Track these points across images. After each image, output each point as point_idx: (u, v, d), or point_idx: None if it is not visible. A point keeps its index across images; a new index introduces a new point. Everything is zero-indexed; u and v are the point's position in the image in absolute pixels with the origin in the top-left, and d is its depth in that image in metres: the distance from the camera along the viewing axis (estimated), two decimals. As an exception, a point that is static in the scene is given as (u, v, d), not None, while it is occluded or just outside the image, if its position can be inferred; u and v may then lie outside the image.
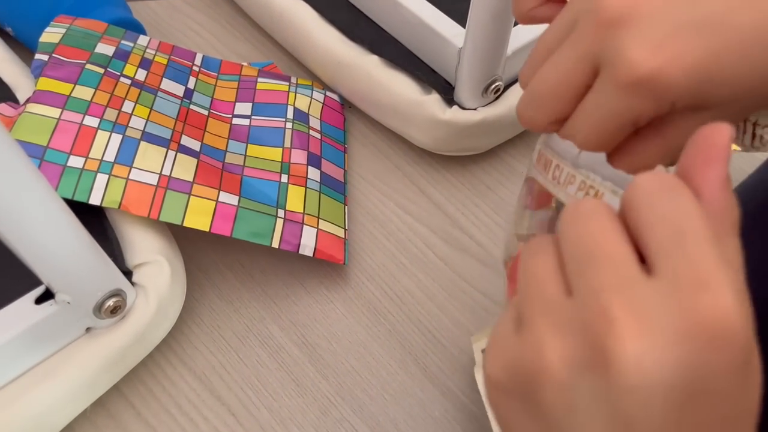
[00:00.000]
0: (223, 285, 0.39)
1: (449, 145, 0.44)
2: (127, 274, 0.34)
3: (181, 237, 0.38)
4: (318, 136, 0.44)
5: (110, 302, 0.31)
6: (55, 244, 0.27)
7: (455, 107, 0.42)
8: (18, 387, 0.30)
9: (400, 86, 0.43)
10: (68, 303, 0.30)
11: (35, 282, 0.31)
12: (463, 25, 0.41)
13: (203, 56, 0.47)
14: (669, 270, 0.16)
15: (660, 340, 0.15)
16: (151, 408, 0.35)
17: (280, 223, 0.37)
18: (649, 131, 0.22)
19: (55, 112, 0.36)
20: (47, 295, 0.30)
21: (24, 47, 0.47)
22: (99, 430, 0.34)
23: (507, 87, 0.43)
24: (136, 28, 0.47)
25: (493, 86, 0.41)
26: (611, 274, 0.16)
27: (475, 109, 0.43)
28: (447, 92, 0.43)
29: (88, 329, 0.32)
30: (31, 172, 0.24)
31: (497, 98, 0.43)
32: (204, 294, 0.39)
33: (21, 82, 0.42)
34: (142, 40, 0.45)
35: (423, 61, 0.45)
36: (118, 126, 0.37)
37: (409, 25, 0.44)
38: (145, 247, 0.35)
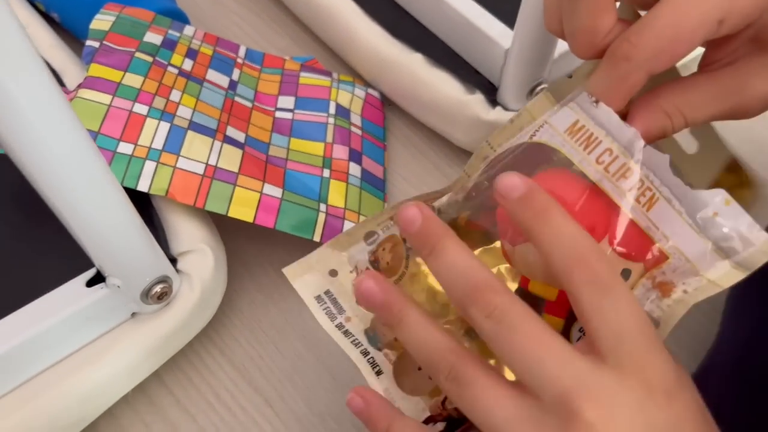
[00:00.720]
0: (262, 278, 0.39)
1: (491, 146, 0.44)
2: (172, 261, 0.34)
3: (221, 230, 0.38)
4: (359, 132, 0.44)
5: (158, 288, 0.31)
6: (111, 226, 0.27)
7: (498, 108, 0.42)
8: (65, 367, 0.31)
9: (443, 85, 0.43)
10: (118, 287, 0.30)
11: (84, 265, 0.31)
12: (509, 25, 0.41)
13: (247, 49, 0.47)
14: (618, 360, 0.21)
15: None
16: (190, 396, 0.35)
17: (322, 217, 0.38)
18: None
19: (106, 98, 0.36)
20: (98, 279, 0.30)
21: (69, 33, 0.48)
22: (139, 416, 0.34)
23: (551, 90, 0.43)
24: (181, 18, 0.47)
25: (539, 88, 0.41)
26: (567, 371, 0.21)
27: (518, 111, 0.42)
28: (490, 93, 0.43)
29: (133, 314, 0.32)
30: (95, 154, 0.25)
31: (541, 101, 0.43)
32: (243, 287, 0.39)
33: (68, 68, 0.42)
34: (188, 30, 0.45)
35: (466, 60, 0.45)
36: (167, 114, 0.37)
37: (455, 24, 0.44)
38: (190, 236, 0.35)
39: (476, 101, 0.42)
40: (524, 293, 0.26)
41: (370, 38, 0.46)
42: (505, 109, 0.42)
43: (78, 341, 0.31)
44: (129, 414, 0.34)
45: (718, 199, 0.23)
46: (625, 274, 0.24)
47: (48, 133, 0.22)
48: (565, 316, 0.25)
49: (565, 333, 0.25)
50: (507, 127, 0.28)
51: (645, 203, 0.24)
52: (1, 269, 0.33)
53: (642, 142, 0.24)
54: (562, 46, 0.41)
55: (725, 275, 0.23)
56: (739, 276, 0.23)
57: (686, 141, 0.30)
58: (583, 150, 0.25)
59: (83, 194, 0.25)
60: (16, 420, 0.29)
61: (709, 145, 0.30)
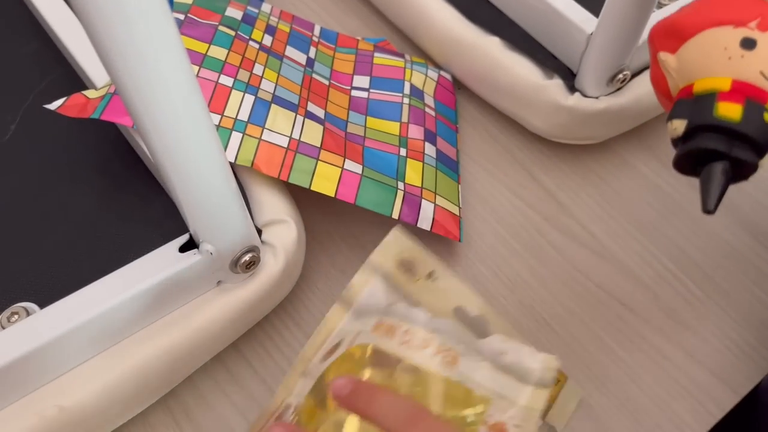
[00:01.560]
0: (337, 255, 0.39)
1: (567, 133, 0.43)
2: (258, 232, 0.34)
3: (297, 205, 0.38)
4: (433, 113, 0.44)
5: (247, 257, 0.31)
6: (213, 192, 0.27)
7: (577, 94, 0.42)
8: (153, 330, 0.31)
9: (521, 69, 0.43)
10: (211, 253, 0.30)
11: (170, 232, 0.32)
12: (589, 10, 0.41)
13: (321, 28, 0.47)
14: None
15: None
16: (268, 367, 0.35)
17: (400, 195, 0.37)
18: None
19: (194, 69, 0.36)
20: (190, 245, 0.31)
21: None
22: (218, 384, 0.34)
23: (633, 76, 0.42)
24: (256, -4, 0.47)
25: (621, 75, 0.41)
26: None
27: (597, 98, 0.42)
28: (568, 79, 0.42)
29: (218, 283, 0.33)
30: (208, 120, 0.25)
31: (621, 88, 0.42)
32: (318, 262, 0.39)
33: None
34: (266, 7, 0.45)
35: (542, 46, 0.44)
36: (251, 87, 0.37)
37: (534, 9, 0.43)
38: (273, 207, 0.35)
39: (555, 86, 0.42)
40: (693, 100, 0.25)
41: (444, 20, 0.46)
42: (584, 95, 0.42)
43: (166, 307, 0.31)
44: (209, 384, 0.34)
45: (498, 340, 0.29)
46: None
47: (171, 94, 0.22)
48: (743, 102, 0.24)
49: (748, 116, 0.24)
50: (313, 340, 0.31)
51: (449, 360, 0.28)
52: (90, 235, 0.33)
53: (428, 315, 0.29)
54: (647, 33, 0.40)
55: (533, 397, 0.28)
56: (544, 394, 0.28)
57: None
58: (389, 339, 0.29)
59: (194, 158, 0.25)
60: (106, 382, 0.30)
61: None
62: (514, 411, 0.28)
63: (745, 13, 0.24)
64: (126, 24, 0.20)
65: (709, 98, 0.24)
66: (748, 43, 0.24)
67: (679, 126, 0.25)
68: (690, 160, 0.25)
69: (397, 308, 0.30)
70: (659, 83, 0.28)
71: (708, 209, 0.24)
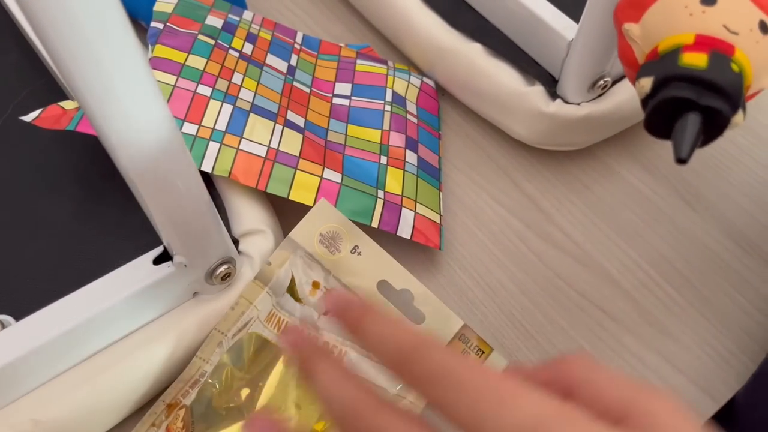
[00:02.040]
0: (317, 262, 0.39)
1: (549, 139, 0.43)
2: (234, 243, 0.34)
3: (277, 213, 0.38)
4: (415, 120, 0.44)
5: (222, 269, 0.31)
6: (184, 205, 0.27)
7: (559, 101, 0.42)
8: (129, 344, 0.31)
9: (503, 76, 0.43)
10: (184, 266, 0.30)
11: (147, 244, 0.31)
12: (572, 17, 0.41)
13: (303, 35, 0.47)
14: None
15: None
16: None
17: (380, 203, 0.37)
18: None
19: (171, 79, 0.36)
20: (164, 257, 0.31)
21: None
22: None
23: (614, 83, 0.42)
24: (239, 3, 0.47)
25: (602, 81, 0.41)
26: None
27: (578, 104, 0.42)
28: (550, 85, 0.42)
29: (195, 294, 0.33)
30: (176, 131, 0.25)
31: (602, 94, 0.42)
32: (298, 270, 0.39)
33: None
34: (247, 15, 0.45)
35: (524, 52, 0.44)
36: (229, 96, 0.37)
37: (516, 15, 0.43)
38: (251, 217, 0.35)
39: (536, 93, 0.42)
40: (659, 59, 0.25)
41: (427, 27, 0.46)
42: (566, 101, 0.42)
43: (141, 319, 0.31)
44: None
45: None
46: None
47: (135, 107, 0.22)
48: (708, 52, 0.24)
49: (714, 64, 0.24)
50: (230, 314, 0.32)
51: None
52: (67, 247, 0.33)
53: (317, 314, 0.31)
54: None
55: None
56: None
57: (414, 312, 0.34)
58: (277, 331, 0.31)
59: (163, 173, 0.25)
60: (82, 395, 0.30)
61: (438, 317, 0.35)
62: (401, 404, 0.29)
63: None
64: (79, 33, 0.20)
65: (674, 53, 0.24)
66: None
67: (646, 84, 0.25)
68: (661, 118, 0.25)
69: (285, 301, 0.32)
70: (626, 55, 0.28)
71: (681, 156, 0.23)
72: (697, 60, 0.24)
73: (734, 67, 0.24)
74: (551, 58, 0.42)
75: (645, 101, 0.25)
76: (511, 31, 0.45)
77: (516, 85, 0.42)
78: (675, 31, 0.25)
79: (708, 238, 0.42)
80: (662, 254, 0.41)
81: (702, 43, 0.24)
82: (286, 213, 0.38)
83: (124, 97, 0.22)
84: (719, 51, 0.24)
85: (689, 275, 0.40)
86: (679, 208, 0.43)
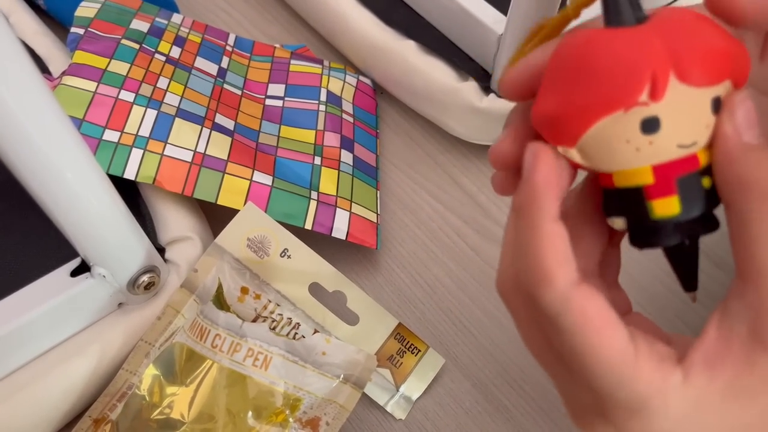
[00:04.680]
0: (252, 267, 0.39)
1: (484, 134, 0.43)
2: (160, 251, 0.33)
3: (209, 219, 0.38)
4: (351, 120, 0.44)
5: (145, 278, 0.30)
6: (95, 215, 0.26)
7: (492, 95, 0.42)
8: (52, 359, 0.30)
9: (436, 72, 0.43)
10: (104, 277, 0.29)
11: (69, 255, 0.31)
12: (503, 11, 0.41)
13: (236, 37, 0.46)
14: None
15: None
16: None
17: (313, 204, 0.37)
18: None
19: (91, 85, 0.36)
20: (83, 269, 0.30)
21: (54, 20, 0.47)
22: (127, 408, 0.34)
23: (545, 76, 0.42)
24: (170, 6, 0.46)
25: (532, 75, 0.41)
26: None
27: (511, 98, 0.42)
28: (484, 80, 0.42)
29: (120, 305, 0.32)
30: (78, 142, 0.24)
31: (535, 88, 0.42)
32: (233, 275, 0.38)
33: (54, 55, 0.42)
34: (176, 18, 0.44)
35: (459, 47, 0.44)
36: (153, 101, 0.37)
37: (448, 11, 0.43)
38: (178, 225, 0.34)
39: (469, 88, 0.42)
40: (619, 194, 0.21)
41: (362, 25, 0.45)
42: (499, 96, 0.42)
43: (65, 332, 0.31)
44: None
45: (319, 339, 0.31)
46: None
47: (29, 121, 0.22)
48: (675, 189, 0.20)
49: (687, 200, 0.20)
50: (156, 324, 0.32)
51: (262, 364, 0.30)
52: (-15, 259, 0.32)
53: (240, 322, 0.31)
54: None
55: (349, 397, 0.31)
56: (357, 395, 0.31)
57: (348, 314, 0.35)
58: (200, 340, 0.31)
59: (66, 183, 0.24)
60: (4, 411, 0.29)
61: (372, 317, 0.35)
62: (330, 408, 0.30)
63: (627, 81, 0.19)
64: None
65: (637, 195, 0.21)
66: (650, 126, 0.19)
67: (619, 222, 0.22)
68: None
69: (209, 310, 0.32)
70: None
71: (691, 289, 0.22)
72: (670, 209, 0.20)
73: (705, 182, 0.20)
74: (483, 52, 0.42)
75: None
76: (443, 26, 0.45)
77: (449, 81, 0.42)
78: (625, 165, 0.20)
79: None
80: (599, 244, 0.41)
81: (663, 176, 0.20)
82: (221, 218, 0.38)
83: (14, 109, 0.21)
84: (684, 175, 0.20)
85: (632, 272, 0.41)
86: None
